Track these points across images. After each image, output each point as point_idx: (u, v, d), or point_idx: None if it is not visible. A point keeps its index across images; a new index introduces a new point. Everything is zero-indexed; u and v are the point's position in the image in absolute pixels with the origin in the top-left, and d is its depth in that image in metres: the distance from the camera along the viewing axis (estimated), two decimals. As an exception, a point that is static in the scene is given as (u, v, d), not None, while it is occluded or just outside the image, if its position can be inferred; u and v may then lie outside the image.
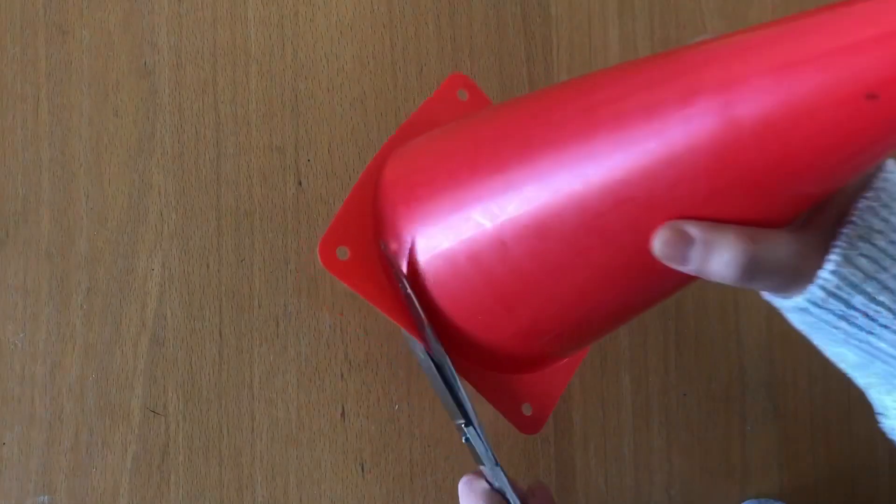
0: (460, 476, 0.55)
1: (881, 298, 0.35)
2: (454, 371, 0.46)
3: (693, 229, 0.36)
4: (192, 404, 0.53)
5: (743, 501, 0.60)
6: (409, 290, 0.45)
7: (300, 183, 0.55)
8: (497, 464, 0.46)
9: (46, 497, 0.52)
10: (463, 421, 0.46)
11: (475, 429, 0.46)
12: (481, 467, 0.47)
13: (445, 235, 0.44)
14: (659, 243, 0.37)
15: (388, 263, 0.46)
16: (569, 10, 0.58)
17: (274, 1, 0.55)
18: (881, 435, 0.41)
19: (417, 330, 0.46)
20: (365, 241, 0.47)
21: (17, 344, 0.52)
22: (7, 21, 0.52)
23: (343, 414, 0.55)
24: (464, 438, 0.46)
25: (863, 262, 0.35)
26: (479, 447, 0.46)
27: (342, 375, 0.55)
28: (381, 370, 0.55)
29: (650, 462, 0.59)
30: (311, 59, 0.55)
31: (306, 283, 0.54)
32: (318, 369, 0.54)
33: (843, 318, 0.36)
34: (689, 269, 0.37)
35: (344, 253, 0.46)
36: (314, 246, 0.55)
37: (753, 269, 0.36)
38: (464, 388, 0.46)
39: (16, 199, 0.52)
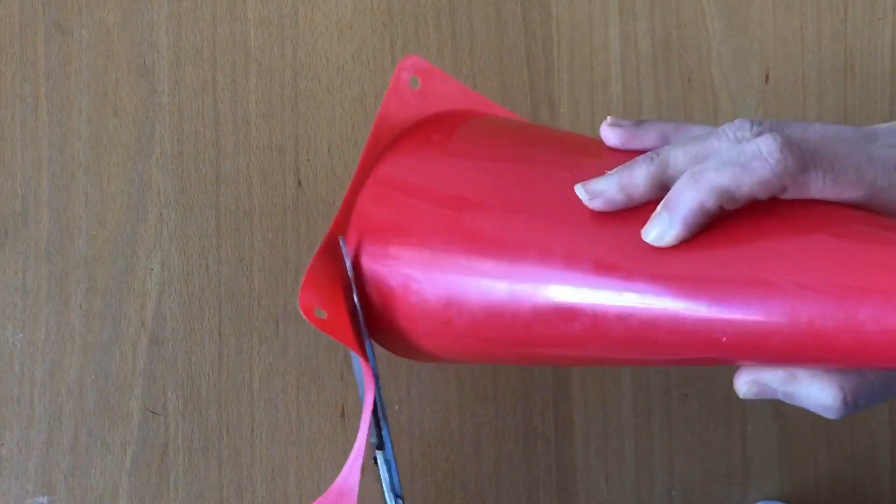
0: (461, 476, 0.55)
1: None
2: (381, 396, 0.45)
3: (771, 379, 0.36)
4: (192, 404, 0.53)
5: (744, 502, 0.60)
6: (357, 302, 0.45)
7: (300, 183, 0.55)
8: (398, 497, 0.46)
9: (45, 497, 0.52)
10: (376, 442, 0.45)
11: (387, 454, 0.45)
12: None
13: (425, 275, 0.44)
14: (741, 393, 0.37)
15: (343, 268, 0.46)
16: (569, 9, 0.58)
17: (274, 0, 0.55)
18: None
19: (361, 348, 0.45)
20: (337, 298, 0.46)
21: (16, 344, 0.52)
22: (6, 20, 0.52)
23: (343, 414, 0.55)
24: (373, 459, 0.45)
25: None
26: (384, 475, 0.45)
27: (342, 375, 0.55)
28: (382, 370, 0.55)
29: (651, 463, 0.59)
30: (310, 58, 0.55)
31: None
32: (318, 369, 0.54)
33: None
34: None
35: (321, 313, 0.45)
36: (314, 246, 0.55)
37: (853, 408, 0.35)
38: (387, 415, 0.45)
39: (15, 198, 0.52)
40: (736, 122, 0.38)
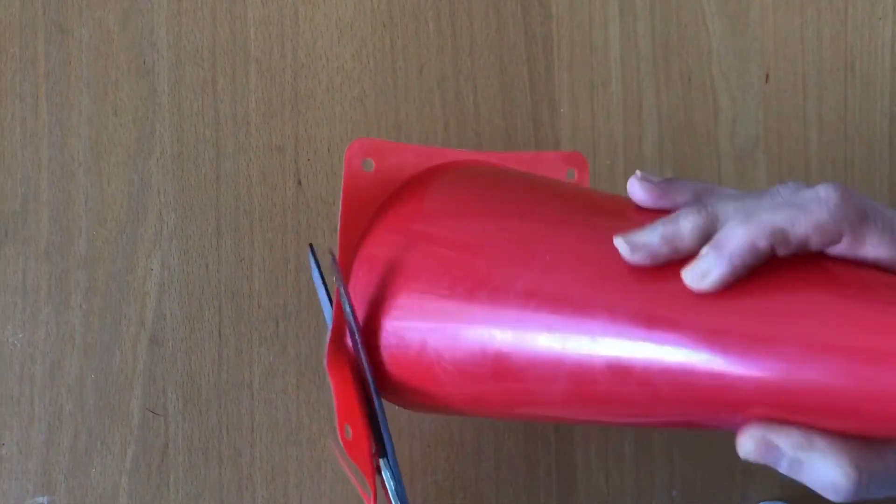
0: (461, 476, 0.55)
1: None
2: (381, 402, 0.44)
3: (783, 442, 0.33)
4: (192, 404, 0.53)
5: (744, 502, 0.60)
6: (358, 338, 0.44)
7: (300, 182, 0.55)
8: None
9: (46, 497, 0.52)
10: (376, 450, 0.44)
11: (388, 461, 0.44)
12: None
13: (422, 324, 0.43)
14: (743, 450, 0.34)
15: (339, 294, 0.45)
16: (569, 9, 0.58)
17: (274, 0, 0.55)
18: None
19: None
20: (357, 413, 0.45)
21: (16, 344, 0.52)
22: (6, 20, 0.52)
23: (343, 414, 0.55)
24: (375, 467, 0.45)
25: None
26: (389, 482, 0.44)
27: (342, 375, 0.55)
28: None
29: (651, 463, 0.59)
30: (310, 58, 0.55)
31: (306, 282, 0.54)
32: (318, 369, 0.54)
33: None
34: (782, 471, 0.34)
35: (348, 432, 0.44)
36: (314, 245, 0.55)
37: (863, 491, 0.32)
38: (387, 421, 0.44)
39: (15, 198, 0.52)
40: (788, 182, 0.36)
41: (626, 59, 0.59)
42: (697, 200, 0.38)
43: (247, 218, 0.54)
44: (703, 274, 0.34)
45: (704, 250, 0.34)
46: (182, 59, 0.54)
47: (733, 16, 0.60)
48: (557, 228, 0.41)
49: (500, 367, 0.40)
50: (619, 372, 0.35)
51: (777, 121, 0.60)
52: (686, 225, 0.35)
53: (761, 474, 0.61)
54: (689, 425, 0.37)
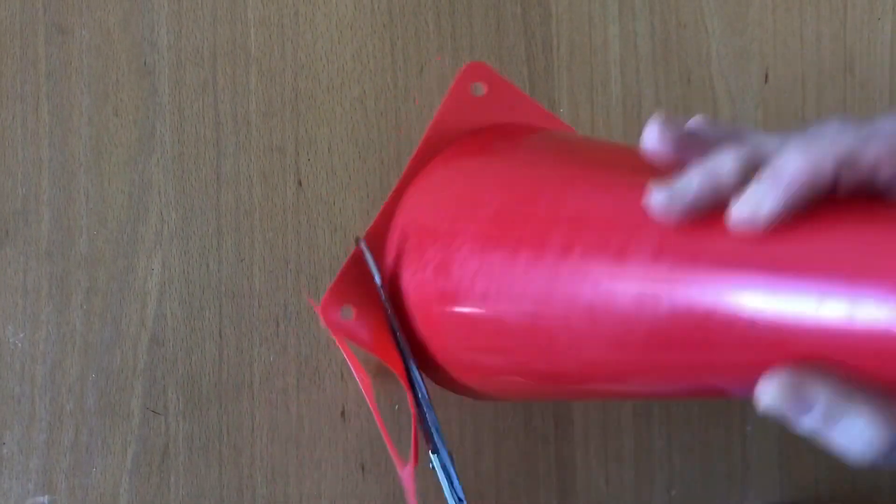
0: (461, 477, 0.55)
1: None
2: (427, 396, 0.44)
3: (820, 391, 0.28)
4: (192, 404, 0.53)
5: (744, 502, 0.60)
6: (395, 324, 0.44)
7: (300, 183, 0.55)
8: (461, 501, 0.43)
9: (46, 497, 0.52)
10: (430, 447, 0.44)
11: (441, 457, 0.43)
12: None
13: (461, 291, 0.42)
14: (766, 398, 0.29)
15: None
16: (569, 9, 0.58)
17: (274, 0, 0.55)
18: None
19: (405, 366, 0.44)
20: (372, 297, 0.44)
21: (17, 344, 0.52)
22: (6, 20, 0.52)
23: (343, 414, 0.55)
24: (430, 465, 0.44)
25: None
26: (443, 479, 0.43)
27: (342, 375, 0.55)
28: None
29: (651, 462, 0.59)
30: (310, 58, 0.55)
31: (306, 283, 0.54)
32: (318, 369, 0.54)
33: None
34: (802, 428, 0.29)
35: (349, 313, 0.44)
36: (314, 246, 0.55)
37: (891, 453, 0.28)
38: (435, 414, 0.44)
39: (15, 198, 0.52)
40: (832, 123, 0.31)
41: (626, 59, 0.59)
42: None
43: (247, 218, 0.54)
44: (756, 205, 0.29)
45: (753, 183, 0.29)
46: (182, 59, 0.54)
47: (733, 16, 0.60)
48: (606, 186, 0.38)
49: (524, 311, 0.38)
50: (677, 318, 0.32)
51: (777, 121, 0.60)
52: (727, 161, 0.30)
53: (761, 474, 0.61)
54: (714, 379, 0.34)
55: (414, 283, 0.45)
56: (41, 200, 0.52)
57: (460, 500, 0.43)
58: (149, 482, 0.53)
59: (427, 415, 0.44)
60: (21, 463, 0.51)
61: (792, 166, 0.28)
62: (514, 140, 0.47)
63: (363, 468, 0.55)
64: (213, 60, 0.54)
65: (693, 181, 0.31)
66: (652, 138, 0.34)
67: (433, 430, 0.44)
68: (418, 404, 0.44)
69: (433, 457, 0.44)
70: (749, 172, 0.30)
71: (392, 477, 0.55)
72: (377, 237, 0.48)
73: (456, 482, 0.44)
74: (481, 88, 0.49)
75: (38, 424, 0.52)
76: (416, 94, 0.56)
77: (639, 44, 0.59)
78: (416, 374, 0.44)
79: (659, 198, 0.31)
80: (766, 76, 0.60)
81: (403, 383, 0.45)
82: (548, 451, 0.57)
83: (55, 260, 0.52)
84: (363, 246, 0.46)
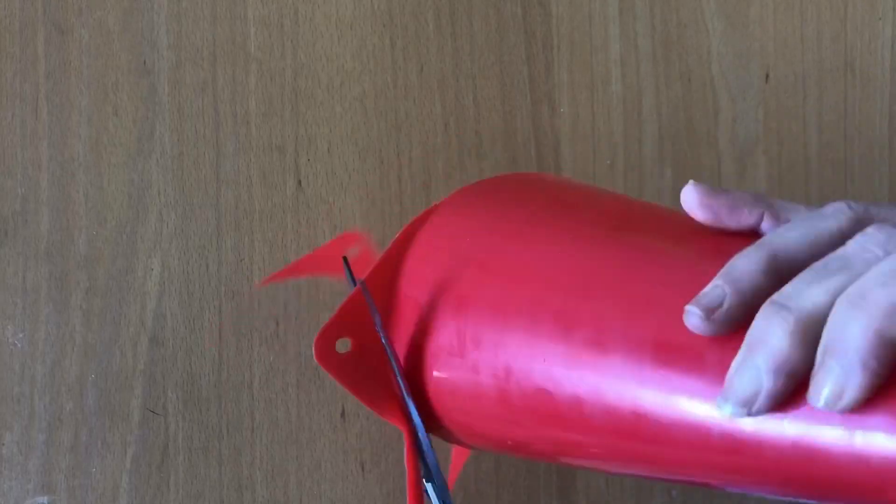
0: (461, 476, 0.55)
1: None
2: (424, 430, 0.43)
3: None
4: (192, 404, 0.53)
5: (744, 502, 0.60)
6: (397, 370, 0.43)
7: (300, 183, 0.55)
8: None
9: (46, 497, 0.52)
10: (424, 472, 0.43)
11: (434, 485, 0.43)
12: None
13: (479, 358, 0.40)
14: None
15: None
16: (569, 8, 0.58)
17: (274, 0, 0.55)
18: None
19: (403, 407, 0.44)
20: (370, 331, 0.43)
21: (16, 344, 0.52)
22: (6, 20, 0.52)
23: (343, 414, 0.55)
24: (423, 491, 0.44)
25: None
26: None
27: (342, 375, 0.55)
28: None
29: (650, 462, 0.59)
30: (310, 58, 0.55)
31: (306, 283, 0.54)
32: (319, 369, 0.54)
33: None
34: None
35: (345, 345, 0.43)
36: (314, 246, 0.55)
37: None
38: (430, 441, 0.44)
39: (15, 198, 0.52)
40: (838, 205, 0.32)
41: (626, 58, 0.59)
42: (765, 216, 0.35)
43: (247, 218, 0.54)
44: (837, 393, 0.27)
45: (817, 363, 0.28)
46: (182, 59, 0.54)
47: (733, 16, 0.60)
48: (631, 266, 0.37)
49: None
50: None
51: (777, 121, 0.60)
52: (747, 270, 0.31)
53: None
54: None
55: (418, 341, 0.44)
56: (40, 200, 0.52)
57: None
58: (149, 482, 0.53)
59: (423, 442, 0.43)
60: (21, 463, 0.51)
61: (854, 338, 0.27)
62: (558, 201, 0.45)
63: (363, 468, 0.55)
64: (212, 60, 0.54)
65: (719, 297, 0.31)
66: (691, 205, 0.36)
67: (429, 455, 0.43)
68: (417, 444, 0.44)
69: (428, 484, 0.43)
70: (774, 273, 0.30)
71: (392, 477, 0.55)
72: (377, 282, 0.47)
73: None
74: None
75: (37, 424, 0.52)
76: (416, 94, 0.56)
77: (639, 44, 0.59)
78: (416, 416, 0.43)
79: (694, 321, 0.31)
80: (767, 76, 0.60)
81: (402, 427, 0.44)
82: (548, 451, 0.57)
83: (54, 260, 0.52)
84: (363, 288, 0.45)
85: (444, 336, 0.43)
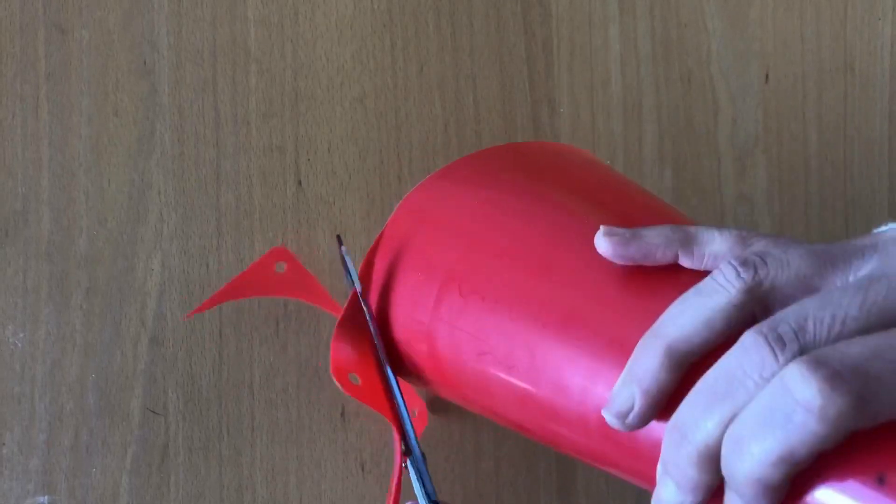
0: (461, 476, 0.55)
1: None
2: (403, 400, 0.44)
3: None
4: (192, 404, 0.53)
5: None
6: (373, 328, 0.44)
7: (300, 183, 0.55)
8: (433, 502, 0.43)
9: (46, 497, 0.52)
10: (404, 448, 0.44)
11: (414, 460, 0.44)
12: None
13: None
14: None
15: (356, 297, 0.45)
16: (569, 9, 0.58)
17: (274, 0, 0.55)
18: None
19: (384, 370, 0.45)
20: (370, 365, 0.45)
21: (16, 344, 0.52)
22: (6, 20, 0.52)
23: (343, 414, 0.55)
24: (403, 464, 0.44)
25: None
26: (415, 481, 0.44)
27: (342, 375, 0.55)
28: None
29: (651, 462, 0.59)
30: (310, 58, 0.55)
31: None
32: (318, 369, 0.54)
33: None
34: None
35: (355, 379, 0.44)
36: (314, 246, 0.55)
37: None
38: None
39: (15, 198, 0.52)
40: (728, 272, 0.33)
41: (626, 59, 0.59)
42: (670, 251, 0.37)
43: (247, 218, 0.54)
44: None
45: (726, 486, 0.31)
46: (182, 59, 0.54)
47: (733, 16, 0.60)
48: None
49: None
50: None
51: (777, 121, 0.60)
52: (650, 368, 0.33)
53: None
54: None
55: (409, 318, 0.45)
56: (41, 200, 0.52)
57: (433, 501, 0.44)
58: (149, 482, 0.53)
59: (404, 419, 0.44)
60: (21, 463, 0.51)
61: (749, 484, 0.29)
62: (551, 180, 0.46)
63: (363, 468, 0.55)
64: (213, 60, 0.54)
65: (628, 402, 0.34)
66: (599, 247, 0.38)
67: (409, 432, 0.44)
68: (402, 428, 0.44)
69: (407, 458, 0.44)
70: (674, 367, 0.33)
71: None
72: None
73: (429, 483, 0.44)
74: (283, 267, 0.51)
75: (38, 424, 0.52)
76: (416, 95, 0.56)
77: (639, 44, 0.59)
78: (397, 391, 0.44)
79: (611, 423, 0.35)
80: (767, 76, 0.60)
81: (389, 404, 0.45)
82: (548, 451, 0.57)
83: (55, 260, 0.52)
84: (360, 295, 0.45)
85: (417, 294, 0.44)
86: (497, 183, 0.45)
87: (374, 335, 0.45)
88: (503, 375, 0.40)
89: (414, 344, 0.44)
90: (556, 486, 0.57)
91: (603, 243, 0.37)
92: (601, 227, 0.38)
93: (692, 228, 0.37)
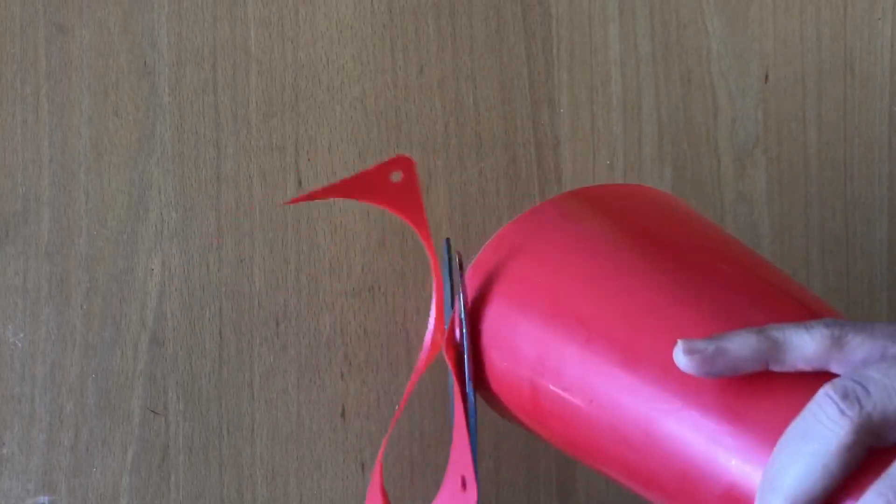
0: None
1: None
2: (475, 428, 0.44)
3: None
4: (192, 404, 0.53)
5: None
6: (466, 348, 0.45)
7: (300, 183, 0.55)
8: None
9: (47, 497, 0.52)
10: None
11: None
12: None
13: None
14: None
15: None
16: (569, 8, 0.58)
17: (274, 0, 0.55)
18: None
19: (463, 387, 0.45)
20: None
21: (17, 344, 0.52)
22: (6, 20, 0.52)
23: (343, 414, 0.55)
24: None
25: None
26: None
27: (342, 375, 0.55)
28: (382, 370, 0.55)
29: (651, 462, 0.59)
30: (311, 58, 0.55)
31: (306, 283, 0.54)
32: (318, 369, 0.54)
33: None
34: None
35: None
36: (314, 246, 0.55)
37: None
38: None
39: (15, 198, 0.52)
40: (823, 416, 0.32)
41: (626, 59, 0.59)
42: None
43: (247, 218, 0.54)
44: None
45: None
46: (182, 59, 0.54)
47: (733, 16, 0.60)
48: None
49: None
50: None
51: (777, 121, 0.60)
52: None
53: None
54: None
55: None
56: (41, 200, 0.52)
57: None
58: (149, 482, 0.53)
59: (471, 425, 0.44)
60: (21, 463, 0.51)
61: None
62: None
63: (363, 468, 0.55)
64: (213, 60, 0.54)
65: None
66: (681, 364, 0.36)
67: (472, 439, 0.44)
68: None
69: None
70: None
71: (392, 477, 0.55)
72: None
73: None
74: (398, 176, 0.49)
75: (38, 424, 0.52)
76: (416, 94, 0.56)
77: (639, 44, 0.59)
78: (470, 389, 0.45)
79: None
80: (767, 76, 0.60)
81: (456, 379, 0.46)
82: (548, 450, 0.57)
83: (55, 260, 0.52)
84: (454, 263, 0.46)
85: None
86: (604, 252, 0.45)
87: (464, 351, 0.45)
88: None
89: (515, 390, 0.44)
90: (556, 485, 0.57)
91: (683, 360, 0.36)
92: (679, 342, 0.36)
93: (779, 334, 0.35)
